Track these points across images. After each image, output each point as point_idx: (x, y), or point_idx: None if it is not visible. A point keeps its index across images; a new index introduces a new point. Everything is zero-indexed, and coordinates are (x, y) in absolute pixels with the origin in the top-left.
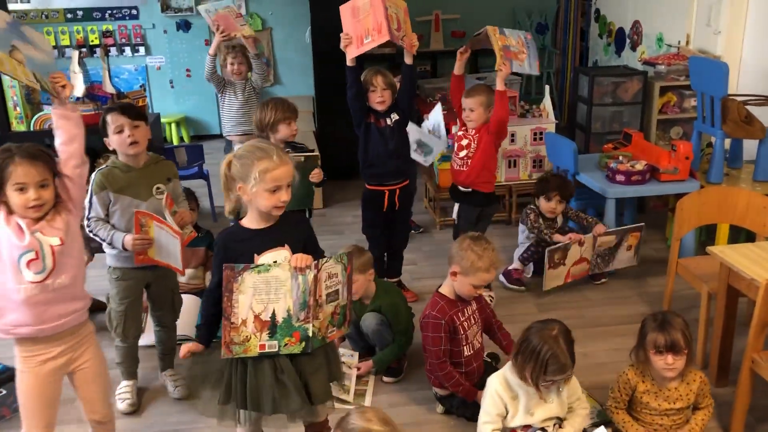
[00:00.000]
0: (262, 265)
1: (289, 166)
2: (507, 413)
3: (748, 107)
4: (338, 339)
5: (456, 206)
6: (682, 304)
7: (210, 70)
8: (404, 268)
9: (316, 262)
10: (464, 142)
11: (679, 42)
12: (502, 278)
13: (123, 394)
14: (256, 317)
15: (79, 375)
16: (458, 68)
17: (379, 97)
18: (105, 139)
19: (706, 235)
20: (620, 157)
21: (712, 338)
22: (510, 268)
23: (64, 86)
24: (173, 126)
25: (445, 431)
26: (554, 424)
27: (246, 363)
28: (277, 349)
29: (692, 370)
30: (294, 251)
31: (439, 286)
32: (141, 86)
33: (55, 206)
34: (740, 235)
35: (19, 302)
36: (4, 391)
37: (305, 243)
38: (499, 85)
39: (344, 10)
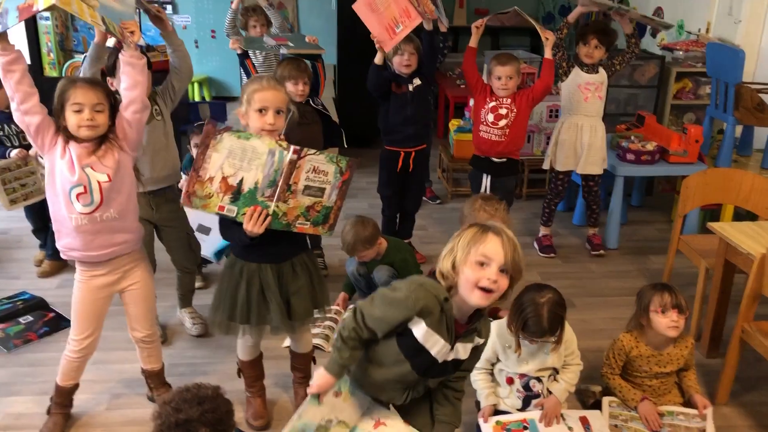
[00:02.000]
0: (245, 132)
1: (280, 92)
2: (498, 360)
3: (761, 95)
4: (343, 302)
5: (486, 179)
6: (681, 280)
7: (230, 24)
8: (414, 232)
9: (299, 148)
10: (502, 111)
11: (699, 30)
12: (535, 245)
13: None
14: (224, 179)
15: (128, 294)
16: (474, 41)
17: (406, 61)
18: (109, 78)
19: (711, 218)
20: (632, 137)
21: (706, 312)
22: (539, 235)
23: (132, 32)
24: (196, 86)
25: None
26: (549, 375)
27: (239, 281)
28: (234, 215)
29: (685, 336)
30: None
31: None
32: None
33: (109, 141)
34: (745, 219)
35: (70, 228)
36: (31, 318)
37: None
38: (548, 53)
39: (359, 8)
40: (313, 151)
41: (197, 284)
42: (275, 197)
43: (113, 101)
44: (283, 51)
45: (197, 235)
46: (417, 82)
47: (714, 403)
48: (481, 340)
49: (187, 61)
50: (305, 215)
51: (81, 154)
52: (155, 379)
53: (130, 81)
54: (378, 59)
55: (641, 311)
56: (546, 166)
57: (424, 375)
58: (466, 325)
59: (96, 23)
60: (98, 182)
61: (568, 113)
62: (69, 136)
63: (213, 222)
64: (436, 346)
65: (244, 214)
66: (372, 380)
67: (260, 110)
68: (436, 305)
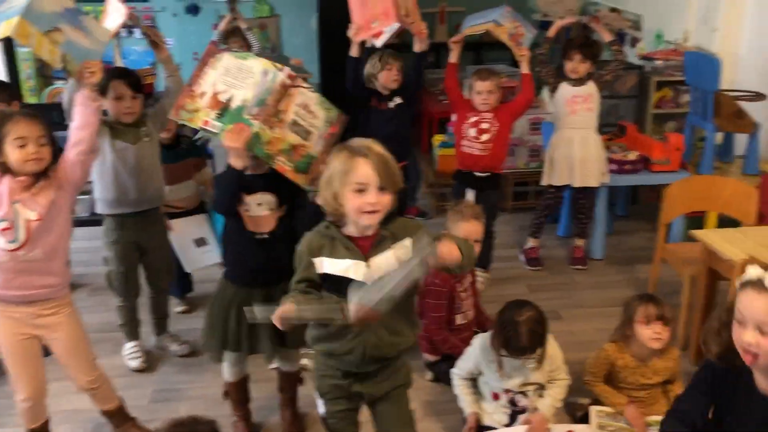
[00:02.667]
0: (244, 53)
1: None
2: (481, 373)
3: (739, 102)
4: None
5: (469, 193)
6: (667, 289)
7: None
8: None
9: (292, 72)
10: (484, 125)
11: (676, 39)
12: (521, 258)
13: (132, 353)
14: (214, 95)
15: (54, 345)
16: (453, 57)
17: (394, 76)
18: (100, 97)
19: (695, 226)
20: (614, 148)
21: (693, 321)
22: (526, 248)
23: (93, 73)
24: None
25: (433, 397)
26: (535, 390)
27: (228, 309)
28: (217, 132)
29: (670, 348)
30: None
31: None
32: (151, 64)
33: (47, 178)
34: (729, 226)
35: None
36: None
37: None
38: (525, 69)
39: None
40: (307, 85)
41: (180, 308)
42: (262, 118)
43: (53, 137)
44: None
45: (197, 249)
46: (398, 100)
47: None
48: (407, 242)
49: (181, 86)
50: (288, 154)
51: (14, 188)
52: (116, 417)
53: (81, 120)
54: (354, 51)
55: (626, 322)
56: (544, 182)
57: None
58: (373, 237)
59: (53, 61)
60: (26, 220)
61: (559, 128)
62: (5, 171)
63: (206, 232)
64: (351, 268)
65: (227, 132)
66: (321, 346)
67: None
68: (320, 237)
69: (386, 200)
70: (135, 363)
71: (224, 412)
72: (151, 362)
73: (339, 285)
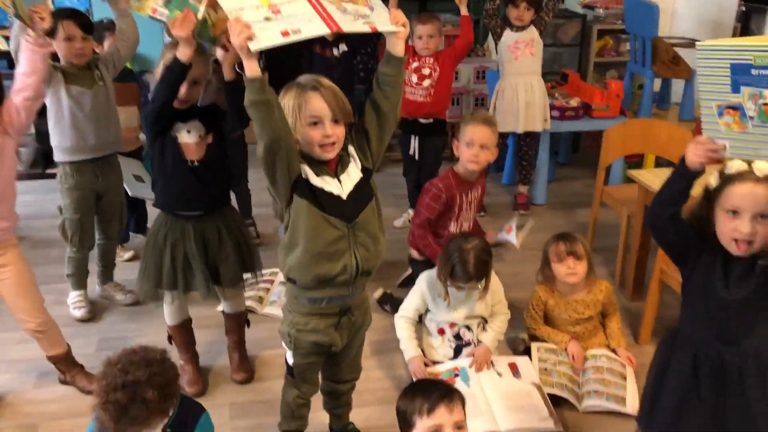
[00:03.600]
0: None
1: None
2: (428, 311)
3: (676, 49)
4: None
5: (414, 140)
6: (606, 231)
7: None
8: None
9: None
10: (425, 71)
11: None
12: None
13: (77, 302)
14: None
15: (2, 286)
16: (393, 3)
17: None
18: (97, 45)
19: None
20: (556, 95)
21: (629, 259)
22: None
23: (43, 18)
24: None
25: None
26: (479, 324)
27: (163, 247)
28: (165, 19)
29: (597, 281)
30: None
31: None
32: (86, 11)
33: None
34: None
35: None
36: None
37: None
38: (464, 11)
39: None
40: None
41: (127, 255)
42: (206, 0)
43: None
44: None
45: (136, 183)
46: (343, 48)
47: (637, 343)
48: (351, 148)
49: (135, 27)
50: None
51: None
52: (63, 363)
53: (29, 67)
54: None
55: (544, 263)
56: None
57: (346, 218)
58: (335, 160)
59: (4, 4)
60: None
61: (503, 75)
62: None
63: (144, 173)
64: (324, 182)
65: (176, 18)
66: (316, 273)
67: None
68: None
69: (341, 132)
70: (80, 312)
71: (172, 357)
72: (96, 312)
73: (307, 191)
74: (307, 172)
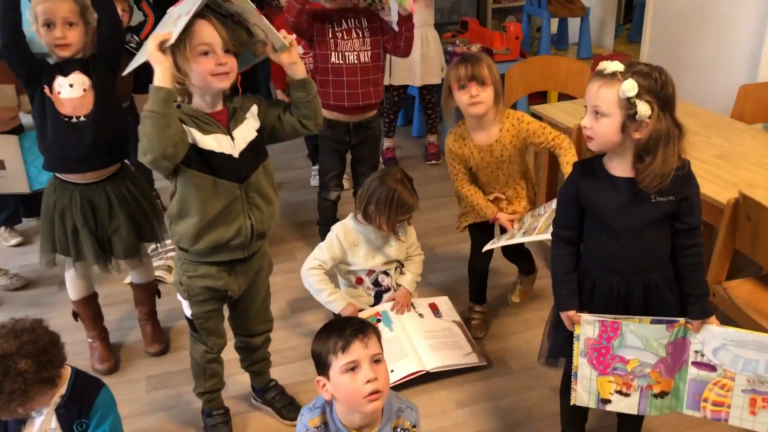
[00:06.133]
0: None
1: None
2: (342, 261)
3: None
4: None
5: None
6: None
7: None
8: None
9: None
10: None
11: None
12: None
13: None
14: None
15: None
16: None
17: None
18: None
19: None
20: (457, 42)
21: (538, 188)
22: (383, 148)
23: None
24: None
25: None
26: (396, 268)
27: (53, 214)
28: None
29: (509, 114)
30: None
31: None
32: None
33: None
34: None
35: None
36: None
37: None
38: None
39: None
40: None
41: (14, 241)
42: None
43: None
44: None
45: None
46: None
47: None
48: (255, 108)
49: None
50: None
51: None
52: None
53: None
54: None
55: (446, 95)
56: (384, 82)
57: (238, 178)
58: (225, 111)
59: None
60: None
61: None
62: None
63: (12, 157)
64: (214, 141)
65: None
66: (209, 240)
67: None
68: (184, 116)
69: (233, 63)
70: None
71: (80, 338)
72: None
73: (200, 159)
74: (194, 135)
